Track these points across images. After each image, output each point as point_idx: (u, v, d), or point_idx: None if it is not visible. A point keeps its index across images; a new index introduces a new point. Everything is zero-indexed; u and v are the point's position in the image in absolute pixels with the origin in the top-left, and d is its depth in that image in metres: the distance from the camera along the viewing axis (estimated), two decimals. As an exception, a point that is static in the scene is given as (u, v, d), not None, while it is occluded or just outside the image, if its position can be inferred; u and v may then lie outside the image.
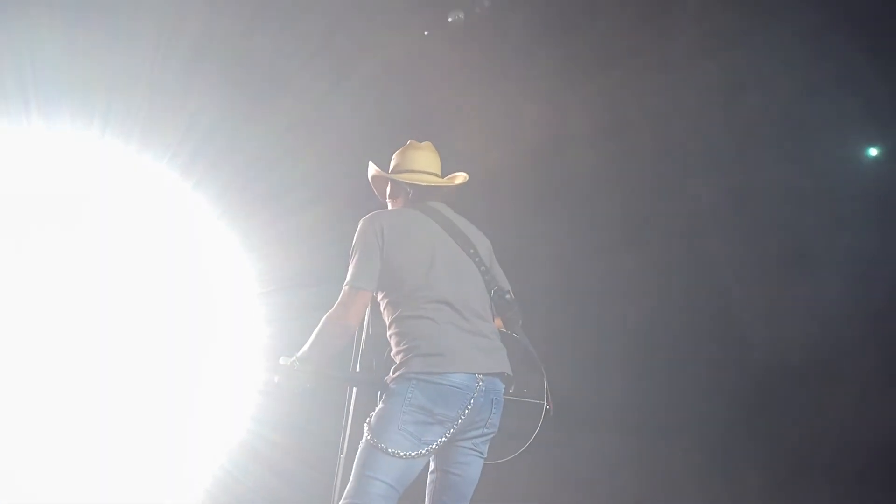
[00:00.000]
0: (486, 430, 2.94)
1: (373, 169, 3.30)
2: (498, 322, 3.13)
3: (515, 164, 5.36)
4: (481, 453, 2.97)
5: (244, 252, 5.21)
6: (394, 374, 2.90)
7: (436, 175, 3.24)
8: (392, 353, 2.95)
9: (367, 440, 2.84)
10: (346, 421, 3.19)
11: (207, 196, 5.09)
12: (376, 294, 3.02)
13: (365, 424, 2.89)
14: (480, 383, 2.87)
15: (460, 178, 3.26)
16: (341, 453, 3.13)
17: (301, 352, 2.95)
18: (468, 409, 2.84)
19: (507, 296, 3.11)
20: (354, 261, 2.98)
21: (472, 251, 3.07)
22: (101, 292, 4.76)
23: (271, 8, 5.01)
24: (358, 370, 3.15)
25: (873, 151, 5.58)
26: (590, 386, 5.27)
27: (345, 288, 2.97)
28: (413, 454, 2.79)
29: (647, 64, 5.29)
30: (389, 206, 3.29)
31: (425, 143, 3.30)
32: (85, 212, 4.74)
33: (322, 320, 2.96)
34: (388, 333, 2.98)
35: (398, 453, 2.78)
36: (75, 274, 4.70)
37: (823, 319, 5.29)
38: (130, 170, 4.89)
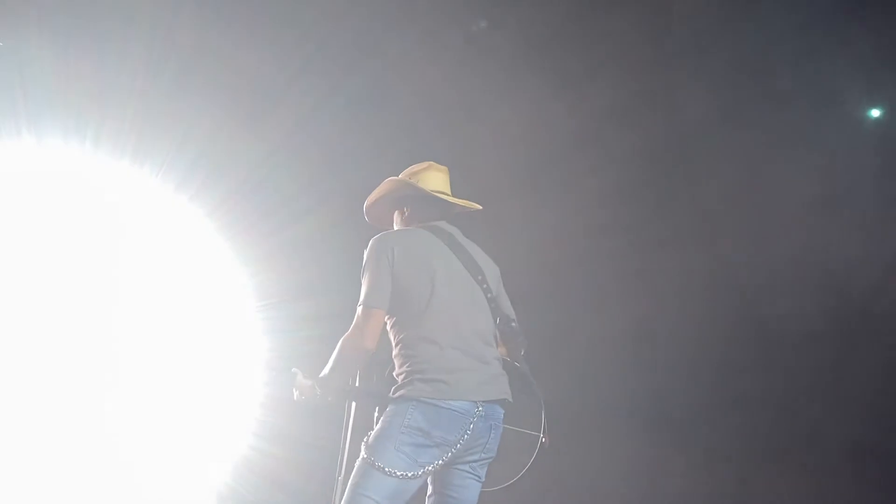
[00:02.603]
0: (483, 454, 2.96)
1: (397, 184, 3.19)
2: (502, 349, 3.12)
3: (515, 168, 5.35)
4: (479, 477, 2.99)
5: (241, 265, 5.19)
6: (394, 394, 2.90)
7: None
8: (395, 373, 2.95)
9: (363, 458, 2.85)
10: (344, 443, 3.17)
11: (203, 210, 5.08)
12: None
13: (363, 443, 2.89)
14: (480, 408, 2.88)
15: (476, 205, 3.23)
16: (339, 475, 3.12)
17: (322, 374, 3.00)
18: (467, 433, 2.85)
19: (513, 324, 3.11)
20: (366, 280, 2.98)
21: (479, 277, 3.07)
22: (99, 308, 4.74)
23: (262, 21, 5.00)
24: (357, 383, 3.15)
25: (875, 112, 5.61)
26: (595, 389, 5.25)
27: (358, 309, 2.97)
28: (409, 474, 2.81)
29: (644, 62, 5.30)
30: (396, 227, 3.25)
31: (444, 167, 3.25)
32: (80, 228, 4.73)
33: (339, 344, 2.98)
34: (393, 353, 2.98)
35: (394, 472, 2.79)
36: (72, 289, 4.68)
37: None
38: (125, 185, 4.88)
